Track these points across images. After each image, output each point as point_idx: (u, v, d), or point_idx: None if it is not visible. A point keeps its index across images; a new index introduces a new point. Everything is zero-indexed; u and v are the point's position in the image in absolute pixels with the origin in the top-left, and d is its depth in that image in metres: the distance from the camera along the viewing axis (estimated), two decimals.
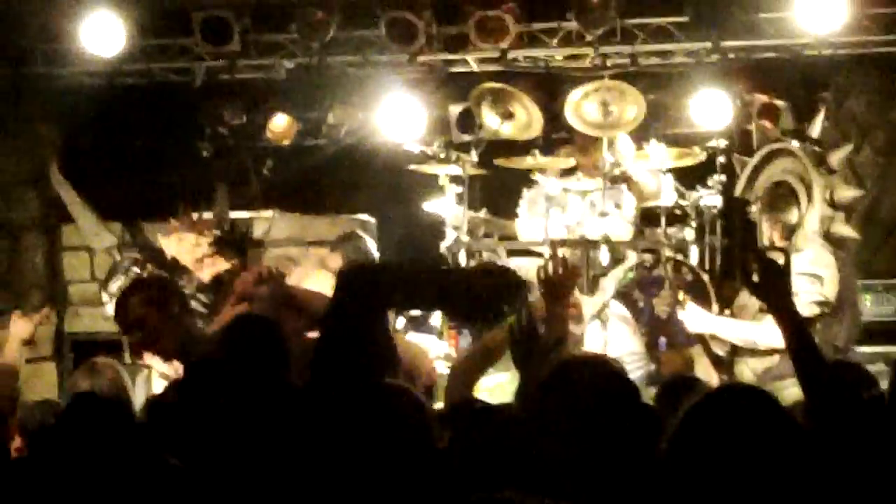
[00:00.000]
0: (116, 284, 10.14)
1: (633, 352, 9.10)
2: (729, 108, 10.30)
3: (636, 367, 9.01)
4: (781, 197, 9.57)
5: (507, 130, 10.29)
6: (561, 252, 8.77)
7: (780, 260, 5.03)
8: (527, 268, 9.46)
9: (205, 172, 11.34)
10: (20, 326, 7.32)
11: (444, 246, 10.25)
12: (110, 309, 9.44)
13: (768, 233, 9.61)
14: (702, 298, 9.38)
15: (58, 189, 11.39)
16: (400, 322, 9.96)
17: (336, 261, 9.70)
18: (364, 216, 11.11)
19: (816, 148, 10.08)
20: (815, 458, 3.37)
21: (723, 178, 10.20)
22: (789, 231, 9.40)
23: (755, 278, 4.52)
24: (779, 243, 9.33)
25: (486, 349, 6.17)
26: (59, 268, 11.52)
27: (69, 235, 11.50)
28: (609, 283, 9.54)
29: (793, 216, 9.42)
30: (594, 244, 9.67)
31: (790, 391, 6.28)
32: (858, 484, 3.59)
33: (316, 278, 9.41)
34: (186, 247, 10.30)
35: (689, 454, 3.16)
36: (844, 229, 9.87)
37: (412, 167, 10.78)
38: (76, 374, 6.46)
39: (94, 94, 10.77)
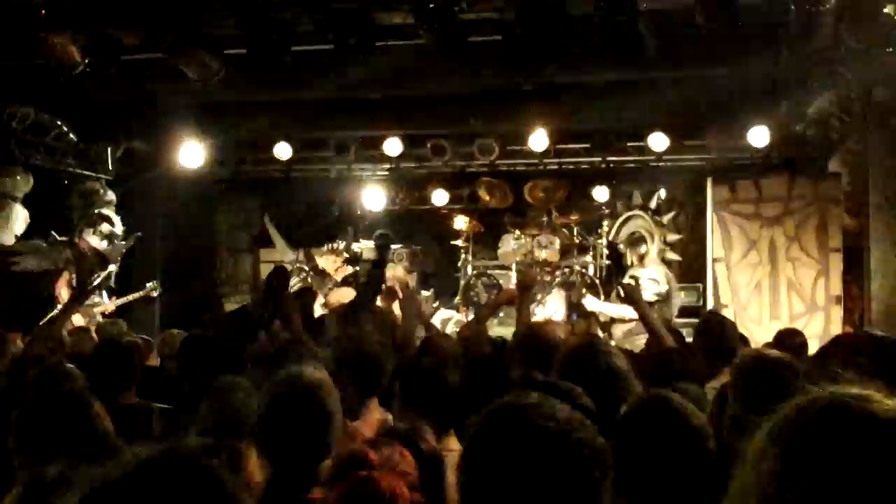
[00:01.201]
0: (293, 281, 9.78)
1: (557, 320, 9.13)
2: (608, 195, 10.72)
3: None
4: (636, 240, 10.11)
5: (494, 203, 10.82)
6: (527, 268, 9.44)
7: (633, 283, 6.12)
8: (503, 275, 10.20)
9: (337, 223, 11.19)
10: None
11: (459, 264, 10.56)
12: None
13: (629, 258, 10.17)
14: (594, 292, 9.81)
15: (268, 228, 11.07)
16: (436, 302, 9.98)
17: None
18: (417, 247, 10.87)
19: (655, 215, 10.54)
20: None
21: (606, 228, 10.50)
22: (641, 257, 9.97)
23: (622, 294, 5.21)
24: (636, 264, 9.90)
25: (489, 307, 6.14)
26: (259, 273, 11.29)
27: (264, 255, 11.38)
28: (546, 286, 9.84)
29: (643, 249, 10.02)
30: (539, 263, 9.96)
31: (640, 341, 7.11)
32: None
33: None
34: (330, 262, 10.22)
35: (628, 440, 2.31)
36: (672, 255, 10.43)
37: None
38: None
39: (278, 181, 10.74)
